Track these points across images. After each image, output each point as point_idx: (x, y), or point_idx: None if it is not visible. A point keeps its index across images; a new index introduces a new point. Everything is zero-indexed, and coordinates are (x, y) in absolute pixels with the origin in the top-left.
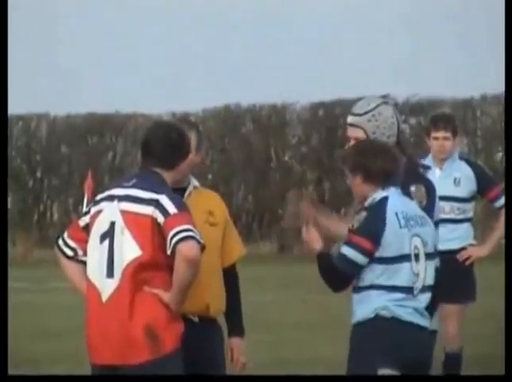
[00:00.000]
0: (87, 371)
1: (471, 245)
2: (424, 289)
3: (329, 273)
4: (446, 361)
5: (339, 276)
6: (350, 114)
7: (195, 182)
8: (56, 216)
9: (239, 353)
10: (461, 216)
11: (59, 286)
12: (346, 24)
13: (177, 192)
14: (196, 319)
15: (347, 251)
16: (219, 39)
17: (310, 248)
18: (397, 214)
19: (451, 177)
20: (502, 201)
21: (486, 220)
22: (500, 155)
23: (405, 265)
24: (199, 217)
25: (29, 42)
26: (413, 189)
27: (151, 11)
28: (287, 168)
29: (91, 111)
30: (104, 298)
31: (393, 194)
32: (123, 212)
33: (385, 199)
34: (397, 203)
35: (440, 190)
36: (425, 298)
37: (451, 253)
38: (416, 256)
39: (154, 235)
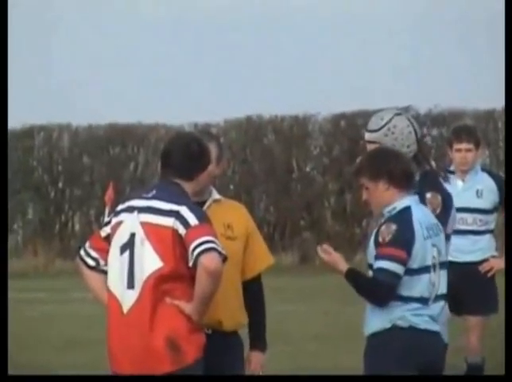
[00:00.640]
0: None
1: (493, 257)
2: (437, 298)
3: (369, 289)
4: (468, 372)
5: (382, 290)
6: (366, 132)
7: (215, 195)
8: (77, 227)
9: (256, 367)
10: (483, 228)
11: (80, 296)
12: (368, 36)
13: (198, 205)
14: (210, 331)
15: (386, 264)
16: (242, 50)
17: (333, 269)
18: (421, 224)
19: (474, 188)
20: None
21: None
22: None
23: (426, 276)
24: (216, 231)
25: (51, 53)
26: (428, 196)
27: (173, 22)
28: (309, 179)
29: (113, 122)
30: (125, 309)
31: (414, 203)
32: (143, 224)
33: (408, 209)
34: (419, 212)
35: (463, 202)
36: (438, 306)
37: (474, 264)
38: (434, 266)
39: (175, 246)
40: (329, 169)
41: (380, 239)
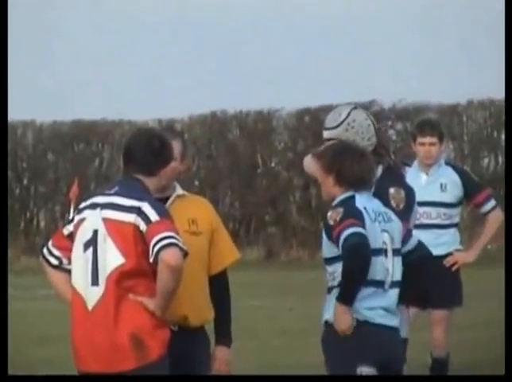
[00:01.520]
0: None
1: (458, 250)
2: (393, 284)
3: (349, 263)
4: (432, 366)
5: (360, 250)
6: (324, 130)
7: (179, 190)
8: (42, 224)
9: (222, 363)
10: (448, 222)
11: (46, 293)
12: (328, 30)
13: (161, 201)
14: (176, 328)
15: (349, 230)
16: (205, 45)
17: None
18: (366, 209)
19: (438, 182)
20: (487, 207)
21: (473, 226)
22: (486, 161)
23: (379, 259)
24: (180, 226)
25: (16, 50)
26: (391, 191)
27: (137, 18)
28: (273, 174)
29: (77, 118)
30: (89, 306)
31: (359, 194)
32: (106, 220)
33: (352, 197)
34: (364, 200)
35: (427, 196)
36: (394, 293)
37: (438, 258)
38: (385, 251)
39: (137, 242)
40: (294, 164)
41: (331, 223)
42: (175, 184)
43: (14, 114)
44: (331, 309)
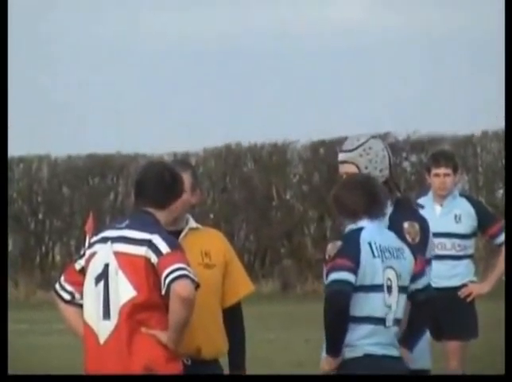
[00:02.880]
0: None
1: (472, 282)
2: (395, 322)
3: (327, 308)
4: None
5: (338, 299)
6: (340, 152)
7: (192, 223)
8: (58, 258)
9: None
10: (462, 253)
11: (61, 327)
12: (344, 63)
13: (174, 234)
14: (189, 362)
15: (335, 275)
16: (219, 79)
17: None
18: (370, 244)
19: (452, 213)
20: (502, 238)
21: (488, 257)
22: (501, 192)
23: (378, 295)
24: (193, 259)
25: (28, 82)
26: (406, 225)
27: (149, 54)
28: (288, 206)
29: (92, 152)
30: (101, 340)
31: (369, 225)
32: (116, 254)
33: (359, 229)
34: (373, 233)
35: (441, 227)
36: (396, 330)
37: (453, 290)
38: (389, 288)
39: (149, 275)
40: (309, 197)
41: (326, 257)
42: (188, 216)
43: (29, 148)
44: None
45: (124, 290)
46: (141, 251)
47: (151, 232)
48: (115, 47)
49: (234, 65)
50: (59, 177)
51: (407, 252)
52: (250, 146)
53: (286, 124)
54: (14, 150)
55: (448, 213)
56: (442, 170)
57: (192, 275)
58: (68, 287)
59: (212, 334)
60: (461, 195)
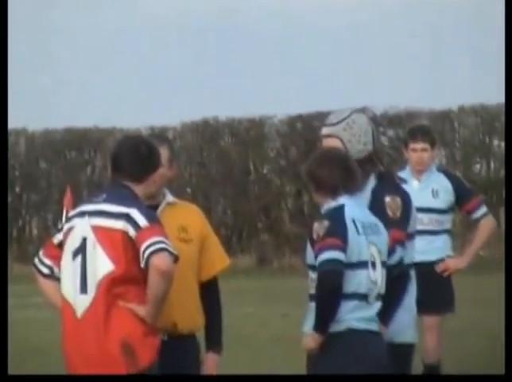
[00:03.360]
0: None
1: (449, 257)
2: (378, 297)
3: (321, 289)
4: (424, 373)
5: (331, 278)
6: (324, 126)
7: (169, 198)
8: (35, 232)
9: (210, 370)
10: (439, 228)
11: (39, 301)
12: (324, 38)
13: (151, 209)
14: (165, 337)
15: (327, 254)
16: (197, 53)
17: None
18: (354, 221)
19: (429, 188)
20: (479, 213)
21: (466, 232)
22: (478, 167)
23: (364, 272)
24: (170, 234)
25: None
26: (387, 199)
27: (129, 26)
28: (266, 181)
29: (69, 126)
30: (79, 313)
31: (349, 202)
32: (94, 228)
33: (341, 207)
34: (353, 210)
35: (418, 202)
36: (378, 306)
37: (430, 264)
38: (373, 264)
39: (127, 249)
40: (286, 171)
41: (315, 236)
42: (165, 191)
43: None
44: (310, 320)
45: (102, 264)
46: (119, 224)
47: (129, 206)
48: (96, 17)
49: (213, 39)
50: (36, 150)
51: (382, 227)
52: (227, 121)
53: (264, 99)
54: None
55: (425, 188)
56: (419, 145)
57: (170, 248)
58: (47, 261)
59: (189, 309)
60: (439, 170)
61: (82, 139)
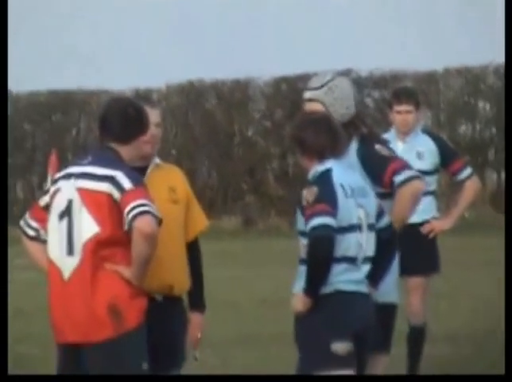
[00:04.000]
0: (52, 351)
1: (435, 218)
2: (365, 260)
3: (312, 255)
4: (410, 335)
5: (323, 244)
6: (306, 90)
7: (156, 160)
8: (20, 194)
9: (196, 329)
10: (424, 190)
11: (24, 263)
12: None
13: (140, 170)
14: (161, 298)
15: (317, 220)
16: (182, 14)
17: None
18: (342, 185)
19: (414, 150)
20: (463, 175)
21: (450, 193)
22: (463, 128)
23: (353, 235)
24: (161, 195)
25: None
26: (378, 146)
27: None
28: (251, 143)
29: (54, 88)
30: (65, 276)
31: (335, 166)
32: (80, 190)
33: (328, 171)
34: (341, 174)
35: None
36: (366, 268)
37: (414, 226)
38: (360, 227)
39: (112, 211)
40: (271, 133)
41: (304, 203)
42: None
43: None
44: (301, 283)
45: (87, 227)
46: (104, 187)
47: (114, 168)
48: None
49: (197, 1)
50: (20, 113)
51: (370, 190)
52: (212, 83)
53: (248, 60)
54: None
55: (410, 150)
56: (404, 107)
57: (154, 211)
58: (33, 223)
59: (182, 270)
60: (423, 131)
61: (66, 101)
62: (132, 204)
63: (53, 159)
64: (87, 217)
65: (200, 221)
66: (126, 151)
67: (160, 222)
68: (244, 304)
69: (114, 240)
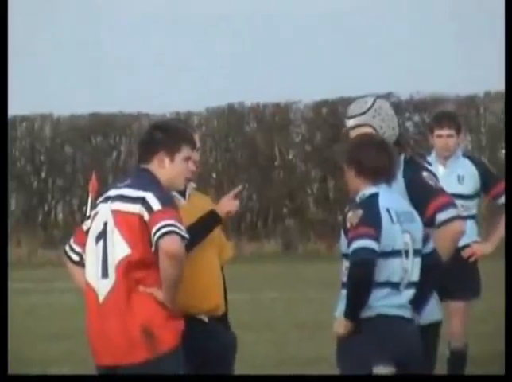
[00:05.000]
0: (93, 372)
1: (476, 242)
2: (409, 285)
3: (353, 277)
4: (451, 358)
5: (364, 267)
6: (350, 118)
7: (192, 184)
8: (60, 217)
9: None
10: (465, 214)
11: (64, 286)
12: (349, 23)
13: (181, 194)
14: (206, 319)
15: (360, 243)
16: (223, 39)
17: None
18: (388, 210)
19: (455, 174)
20: (504, 198)
21: (491, 218)
22: (503, 152)
23: (397, 260)
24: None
25: (32, 42)
26: (425, 174)
27: (155, 11)
28: (291, 166)
29: (95, 111)
30: (101, 298)
31: (383, 190)
32: (114, 212)
33: (375, 195)
34: (388, 199)
35: (444, 188)
36: (409, 293)
37: (456, 250)
38: (406, 252)
39: (143, 233)
40: (311, 157)
41: (348, 225)
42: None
43: (32, 107)
44: (342, 306)
45: (120, 248)
46: (136, 208)
47: (146, 190)
48: (118, 3)
49: (238, 26)
50: (61, 136)
51: (416, 215)
52: (252, 106)
53: (289, 84)
54: (17, 108)
55: (451, 174)
56: (445, 131)
57: (181, 231)
58: (77, 248)
59: (222, 291)
60: (464, 155)
61: (107, 125)
62: (159, 225)
63: (93, 182)
64: (120, 239)
65: (229, 249)
66: (161, 173)
67: (186, 242)
68: (283, 327)
69: (146, 262)
